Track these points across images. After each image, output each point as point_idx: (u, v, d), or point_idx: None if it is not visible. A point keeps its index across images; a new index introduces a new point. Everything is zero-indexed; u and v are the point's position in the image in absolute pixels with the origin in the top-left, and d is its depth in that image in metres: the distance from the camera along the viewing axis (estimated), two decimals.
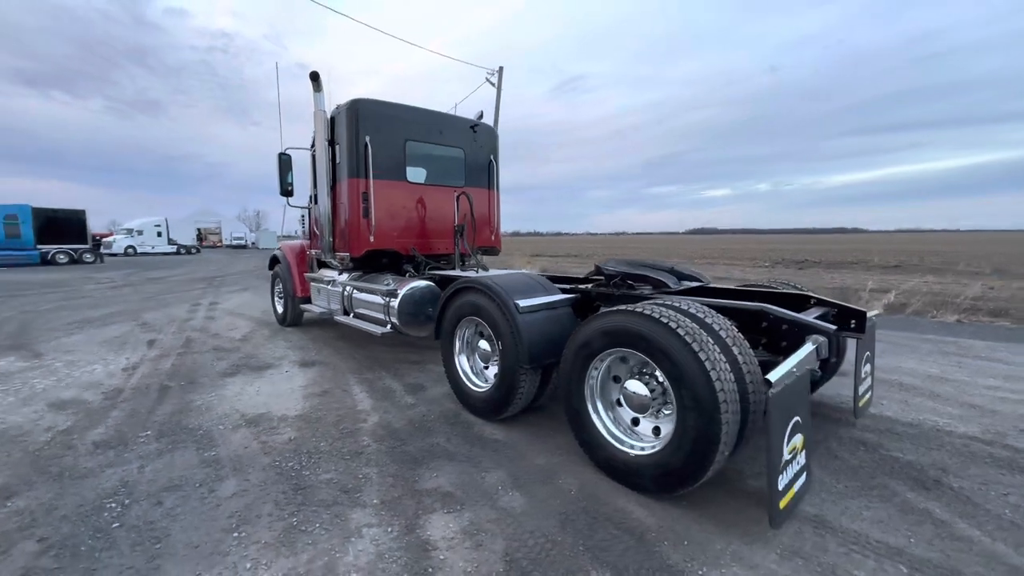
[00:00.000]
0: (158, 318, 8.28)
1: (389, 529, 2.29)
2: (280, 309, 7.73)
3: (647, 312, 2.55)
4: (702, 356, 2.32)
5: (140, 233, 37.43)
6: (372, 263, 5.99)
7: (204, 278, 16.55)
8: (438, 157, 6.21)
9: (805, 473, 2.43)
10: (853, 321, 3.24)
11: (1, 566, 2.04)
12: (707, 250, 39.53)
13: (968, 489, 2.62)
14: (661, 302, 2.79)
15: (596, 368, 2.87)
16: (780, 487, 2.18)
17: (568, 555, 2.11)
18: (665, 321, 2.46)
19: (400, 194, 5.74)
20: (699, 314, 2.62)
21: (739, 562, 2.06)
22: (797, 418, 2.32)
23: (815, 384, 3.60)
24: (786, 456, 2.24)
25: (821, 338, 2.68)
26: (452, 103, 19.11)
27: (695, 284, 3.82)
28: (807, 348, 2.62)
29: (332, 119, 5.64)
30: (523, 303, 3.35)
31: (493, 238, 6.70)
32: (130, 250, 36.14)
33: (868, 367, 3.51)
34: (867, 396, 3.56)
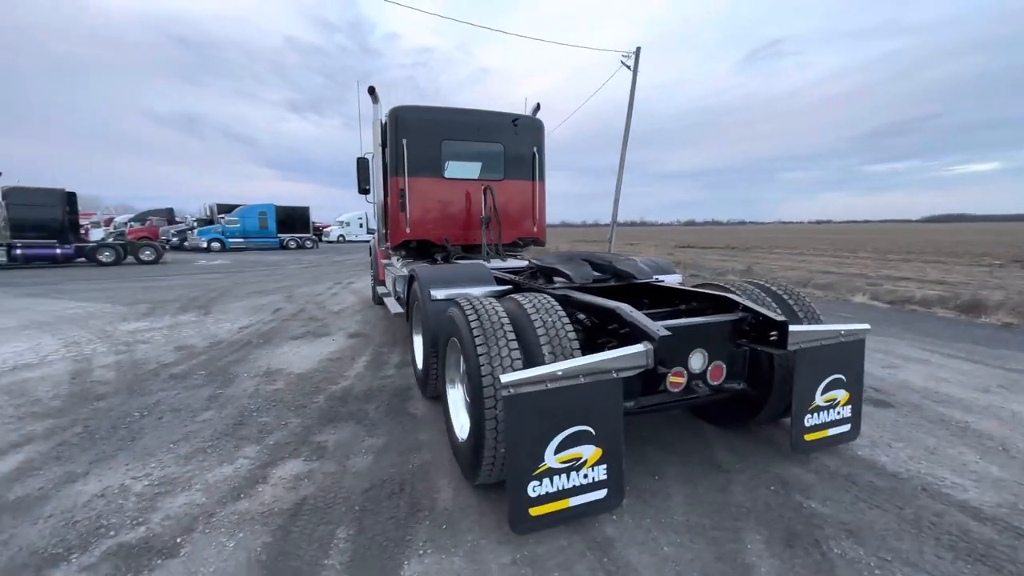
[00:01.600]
0: (303, 292, 10.56)
1: (256, 463, 2.91)
2: (371, 291, 9.19)
3: (460, 302, 2.62)
4: (481, 349, 2.33)
5: (348, 224, 46.29)
6: (422, 251, 6.74)
7: (367, 261, 20.01)
8: (475, 153, 6.61)
9: (604, 490, 2.23)
10: (773, 334, 2.65)
11: (65, 433, 3.27)
12: (931, 242, 30.95)
13: (850, 564, 2.03)
14: (521, 295, 2.78)
15: (445, 353, 3.03)
16: (532, 495, 2.09)
17: (341, 512, 2.41)
18: (465, 311, 2.51)
19: (435, 189, 6.33)
20: (527, 307, 2.57)
21: (469, 557, 2.09)
22: (583, 427, 2.16)
23: (726, 404, 3.16)
24: (553, 464, 2.13)
25: (640, 347, 2.34)
26: (606, 89, 18.83)
27: (617, 281, 3.53)
28: (605, 355, 2.31)
29: (384, 126, 6.51)
30: (436, 293, 3.60)
31: (536, 229, 6.84)
32: (340, 238, 45.04)
33: (839, 393, 2.82)
34: (834, 430, 2.85)
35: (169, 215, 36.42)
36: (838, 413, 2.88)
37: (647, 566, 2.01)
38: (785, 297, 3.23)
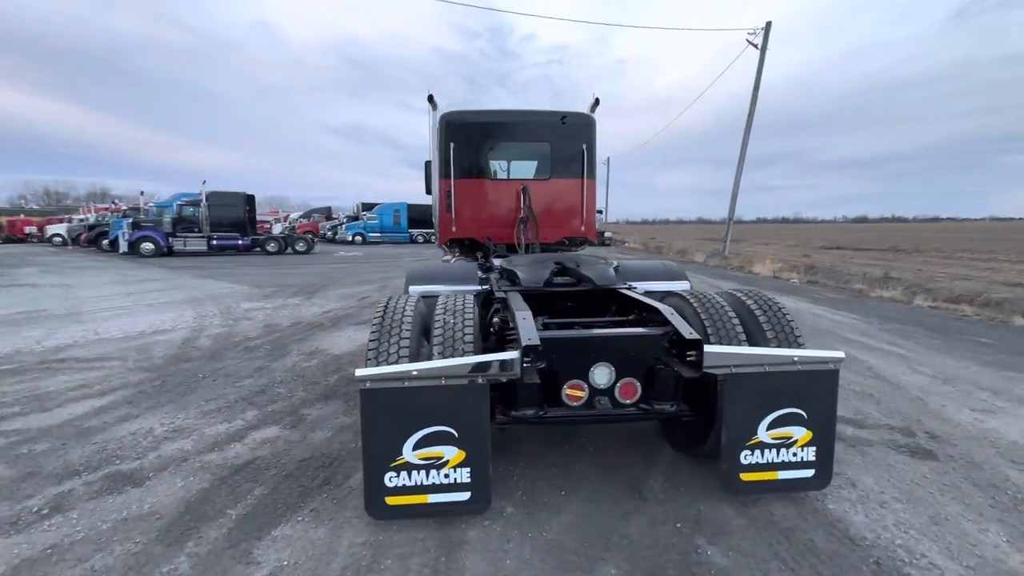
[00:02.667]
0: (398, 283, 11.75)
1: (246, 425, 3.50)
2: None
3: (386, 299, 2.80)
4: (372, 344, 2.51)
5: None
6: (472, 249, 7.10)
7: None
8: (521, 153, 6.71)
9: (467, 493, 2.26)
10: (690, 354, 2.36)
11: (148, 384, 4.30)
12: None
13: None
14: (446, 295, 2.91)
15: None
16: (389, 484, 2.23)
17: (270, 474, 2.82)
18: (382, 306, 2.69)
19: (480, 190, 6.59)
20: (438, 307, 2.68)
21: (333, 531, 2.32)
22: (444, 428, 2.23)
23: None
24: (411, 459, 2.24)
25: (507, 355, 2.25)
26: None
27: (578, 286, 3.38)
28: (466, 359, 2.28)
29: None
30: (413, 288, 3.85)
31: (583, 228, 6.69)
32: None
33: (797, 431, 2.42)
34: (787, 474, 2.43)
35: (328, 212, 42.84)
36: (794, 455, 2.43)
37: (479, 572, 2.01)
38: (757, 312, 2.81)
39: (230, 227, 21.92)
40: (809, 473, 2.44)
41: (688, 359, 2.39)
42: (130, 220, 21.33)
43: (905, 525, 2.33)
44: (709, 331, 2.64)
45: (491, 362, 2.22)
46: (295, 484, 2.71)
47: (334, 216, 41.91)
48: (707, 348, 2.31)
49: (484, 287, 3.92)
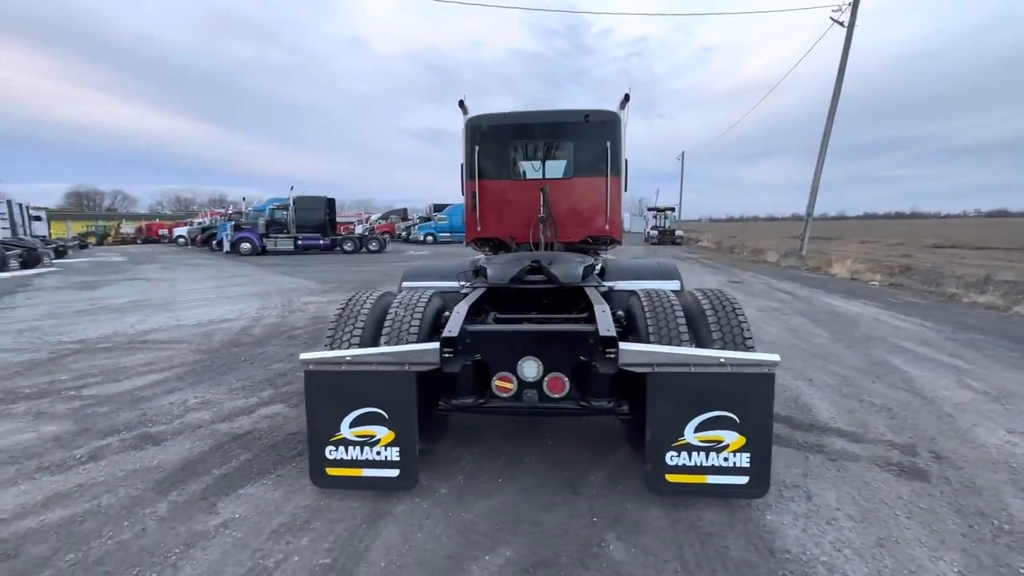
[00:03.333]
0: None
1: (259, 402, 4.00)
2: None
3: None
4: (329, 332, 2.81)
5: None
6: (499, 248, 7.32)
7: None
8: (544, 153, 6.79)
9: (396, 470, 2.48)
10: (609, 351, 2.38)
11: (199, 364, 5.03)
12: None
13: None
14: (408, 291, 3.16)
15: None
16: (329, 456, 2.51)
17: (259, 444, 3.24)
18: (352, 296, 2.99)
19: (503, 191, 6.77)
20: (395, 301, 2.93)
21: (285, 495, 2.65)
22: (376, 409, 2.48)
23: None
24: (348, 435, 2.50)
25: (427, 345, 2.41)
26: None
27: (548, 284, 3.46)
28: (393, 348, 2.49)
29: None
30: (407, 284, 4.14)
31: (608, 227, 6.63)
32: None
33: (728, 435, 2.36)
34: (717, 478, 2.37)
35: (404, 213, 45.34)
36: (725, 459, 2.35)
37: (385, 542, 2.21)
38: (709, 313, 2.73)
39: (313, 229, 24.08)
40: (742, 480, 2.35)
41: (608, 356, 2.41)
42: (232, 223, 24.24)
43: (843, 544, 2.17)
44: (651, 330, 2.62)
45: (412, 351, 2.42)
46: (275, 453, 3.09)
47: (409, 217, 44.26)
48: (623, 345, 2.32)
49: (462, 283, 4.11)
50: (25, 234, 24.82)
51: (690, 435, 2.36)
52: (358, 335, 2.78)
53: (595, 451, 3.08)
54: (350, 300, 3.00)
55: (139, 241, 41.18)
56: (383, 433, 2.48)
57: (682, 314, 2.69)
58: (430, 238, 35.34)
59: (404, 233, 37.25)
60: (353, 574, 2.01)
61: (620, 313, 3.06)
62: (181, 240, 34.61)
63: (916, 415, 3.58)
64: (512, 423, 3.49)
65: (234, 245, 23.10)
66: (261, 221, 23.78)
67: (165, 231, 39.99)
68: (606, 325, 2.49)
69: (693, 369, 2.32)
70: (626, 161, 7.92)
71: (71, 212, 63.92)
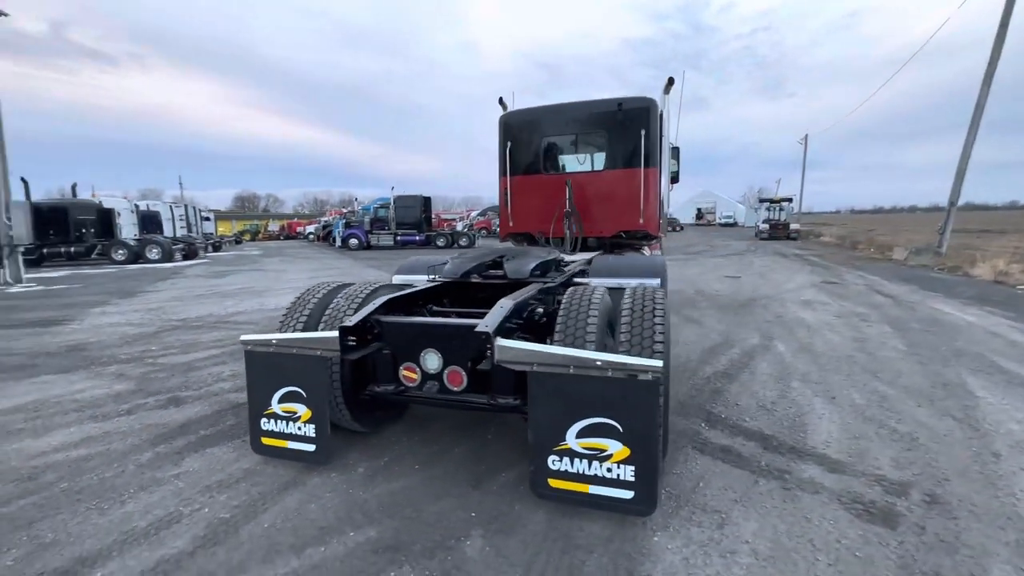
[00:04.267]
0: None
1: None
2: None
3: None
4: (282, 319, 3.14)
5: None
6: (534, 243, 7.34)
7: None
8: (576, 146, 6.62)
9: (312, 445, 2.72)
10: (488, 347, 2.34)
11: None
12: None
13: None
14: (357, 283, 3.40)
15: None
16: (263, 428, 2.83)
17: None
18: (309, 287, 3.32)
19: (535, 186, 6.76)
20: (341, 292, 3.18)
21: (234, 459, 3.04)
22: (296, 388, 2.75)
23: None
24: (276, 410, 2.81)
25: (328, 333, 2.56)
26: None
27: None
28: (308, 334, 2.70)
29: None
30: (397, 278, 4.40)
31: (642, 221, 6.28)
32: None
33: (611, 444, 2.21)
34: (601, 490, 2.23)
35: None
36: (608, 470, 2.19)
37: (283, 508, 2.46)
38: (625, 314, 2.54)
39: (411, 225, 26.00)
40: (627, 495, 2.16)
41: (486, 352, 2.37)
42: (343, 221, 27.18)
43: (723, 568, 1.90)
44: (558, 328, 2.52)
45: (318, 338, 2.62)
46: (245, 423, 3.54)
47: None
48: (501, 342, 2.27)
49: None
50: (197, 232, 30.47)
51: (572, 440, 2.23)
52: (303, 321, 3.07)
53: (524, 450, 3.02)
54: (305, 291, 3.31)
55: (282, 237, 48.04)
56: (303, 411, 2.73)
57: (596, 314, 2.53)
58: None
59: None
60: (238, 530, 2.28)
61: (540, 311, 2.96)
62: (310, 237, 39.66)
63: (944, 450, 2.90)
64: (466, 416, 3.55)
65: (344, 241, 25.90)
66: (366, 219, 26.32)
67: (301, 229, 46.17)
68: (487, 321, 2.45)
69: (572, 371, 2.20)
70: (676, 149, 7.38)
71: (235, 213, 76.66)
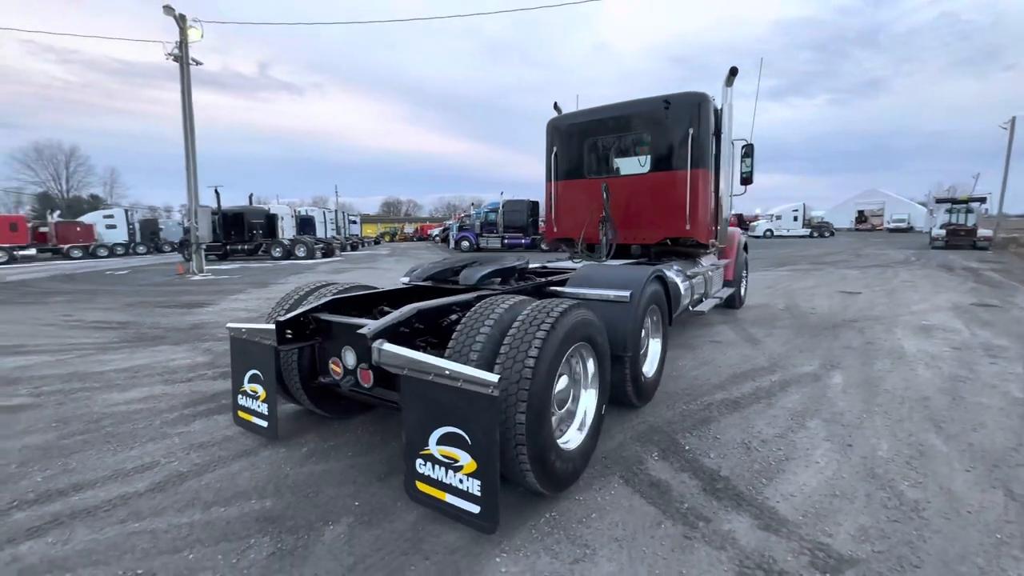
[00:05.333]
0: None
1: None
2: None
3: None
4: (273, 305, 3.64)
5: (779, 218, 42.25)
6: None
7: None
8: (620, 148, 6.33)
9: (265, 421, 3.14)
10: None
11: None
12: None
13: None
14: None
15: None
16: (239, 403, 3.35)
17: None
18: (297, 286, 3.80)
19: (578, 191, 6.62)
20: (321, 290, 3.60)
21: (202, 434, 3.62)
22: (256, 371, 3.21)
23: None
24: (247, 389, 3.29)
25: (265, 325, 2.90)
26: None
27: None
28: (252, 325, 3.08)
29: None
30: (402, 280, 4.73)
31: (689, 227, 5.78)
32: (768, 233, 41.85)
33: (462, 456, 2.24)
34: (454, 500, 2.26)
35: None
36: (460, 481, 2.18)
37: (224, 471, 2.89)
38: (516, 325, 2.47)
39: (517, 229, 26.81)
40: (474, 508, 2.12)
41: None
42: (458, 224, 29.11)
43: None
44: (453, 336, 2.55)
45: (263, 329, 3.01)
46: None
47: None
48: (376, 344, 2.39)
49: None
50: (344, 234, 35.31)
51: (433, 446, 2.26)
52: (283, 312, 3.53)
53: None
54: (296, 287, 3.78)
55: (415, 239, 53.22)
56: (261, 391, 3.17)
57: (490, 324, 2.50)
58: None
59: None
60: (183, 483, 2.76)
61: (453, 317, 2.98)
62: (436, 239, 43.26)
63: (953, 530, 2.22)
64: None
65: (457, 243, 27.74)
66: (478, 222, 27.83)
67: (431, 231, 50.66)
68: (372, 324, 2.56)
69: (433, 378, 2.22)
70: (749, 147, 6.58)
71: (381, 217, 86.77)
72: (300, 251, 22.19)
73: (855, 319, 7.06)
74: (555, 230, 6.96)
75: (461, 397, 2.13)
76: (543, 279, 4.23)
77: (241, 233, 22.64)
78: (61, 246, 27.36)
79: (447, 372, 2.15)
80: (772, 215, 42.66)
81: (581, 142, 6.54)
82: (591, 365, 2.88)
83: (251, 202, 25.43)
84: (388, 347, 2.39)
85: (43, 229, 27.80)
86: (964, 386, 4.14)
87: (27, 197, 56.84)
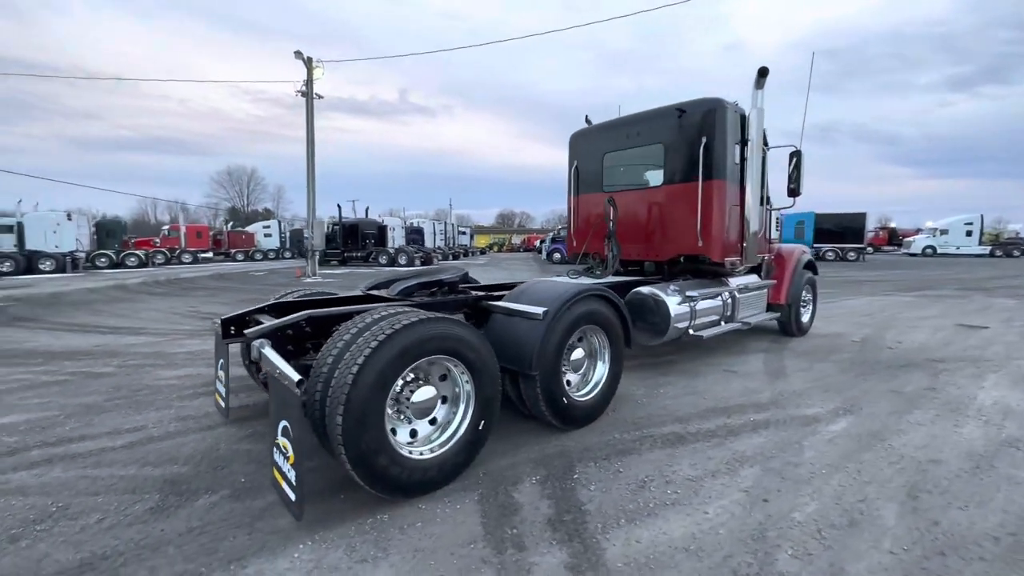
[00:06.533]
0: None
1: None
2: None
3: None
4: None
5: (944, 232, 35.13)
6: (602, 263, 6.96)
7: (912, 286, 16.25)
8: (633, 160, 6.07)
9: (222, 400, 3.73)
10: None
11: None
12: None
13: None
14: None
15: None
16: (216, 385, 4.02)
17: None
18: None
19: (593, 205, 6.47)
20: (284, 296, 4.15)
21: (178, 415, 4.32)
22: (221, 359, 3.84)
23: None
24: (219, 373, 3.94)
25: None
26: None
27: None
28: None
29: None
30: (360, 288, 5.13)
31: (700, 243, 5.36)
32: (928, 250, 35.05)
33: (289, 448, 2.53)
34: (287, 488, 2.52)
35: None
36: (288, 471, 2.43)
37: (183, 440, 3.49)
38: (365, 337, 2.65)
39: None
40: (293, 496, 2.34)
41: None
42: (552, 236, 29.38)
43: None
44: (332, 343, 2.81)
45: (216, 325, 3.58)
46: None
47: None
48: (255, 344, 2.75)
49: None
50: (451, 245, 37.87)
51: (279, 436, 2.54)
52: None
53: None
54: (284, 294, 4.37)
55: (521, 250, 54.79)
56: (223, 376, 3.76)
57: (353, 333, 2.71)
58: None
59: None
60: (148, 443, 3.41)
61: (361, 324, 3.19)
62: (539, 250, 44.07)
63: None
64: None
65: (548, 254, 28.01)
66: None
67: (537, 242, 51.78)
68: (261, 327, 2.90)
69: (277, 375, 2.50)
70: (796, 154, 5.88)
71: (494, 228, 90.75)
72: (402, 259, 24.41)
73: (943, 359, 5.75)
74: (574, 244, 6.86)
75: (287, 394, 2.38)
76: (478, 292, 4.28)
77: (356, 242, 25.68)
78: (231, 250, 33.65)
79: (277, 372, 2.43)
80: (936, 229, 35.56)
81: (597, 155, 6.40)
82: (463, 379, 2.92)
83: (367, 215, 28.81)
84: (267, 350, 2.74)
85: (219, 237, 34.54)
86: (1009, 455, 3.22)
87: (220, 211, 70.76)
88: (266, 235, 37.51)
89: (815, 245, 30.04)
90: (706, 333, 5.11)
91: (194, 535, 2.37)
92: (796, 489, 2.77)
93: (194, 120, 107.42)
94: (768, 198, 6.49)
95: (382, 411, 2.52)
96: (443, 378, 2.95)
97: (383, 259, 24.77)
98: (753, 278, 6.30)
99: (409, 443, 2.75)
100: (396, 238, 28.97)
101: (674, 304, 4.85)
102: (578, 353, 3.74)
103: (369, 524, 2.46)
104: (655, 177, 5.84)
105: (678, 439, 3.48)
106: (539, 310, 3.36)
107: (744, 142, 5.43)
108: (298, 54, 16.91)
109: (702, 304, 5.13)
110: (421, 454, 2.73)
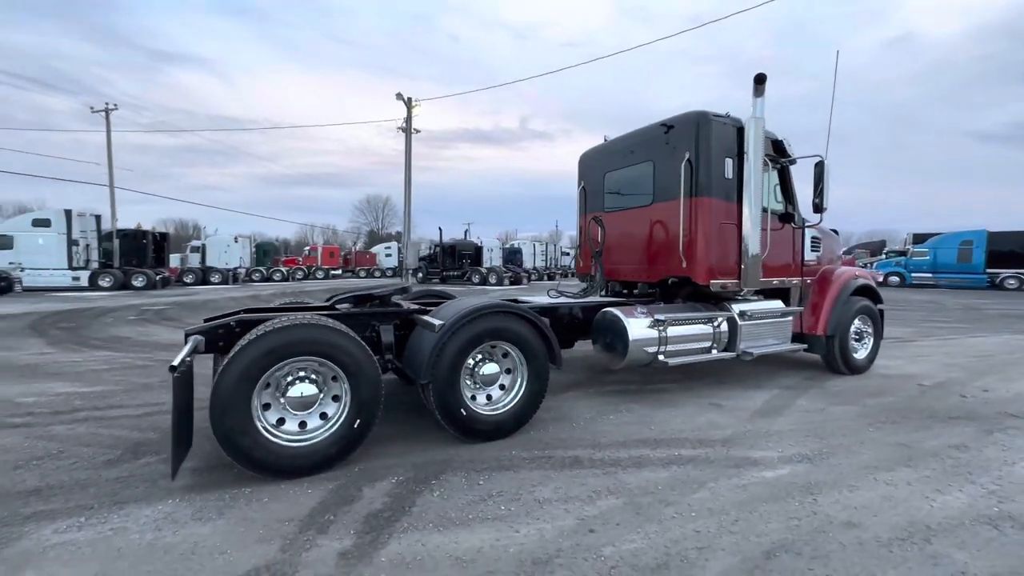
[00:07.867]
0: None
1: None
2: None
3: None
4: None
5: None
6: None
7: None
8: (628, 179, 5.94)
9: None
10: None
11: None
12: None
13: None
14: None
15: None
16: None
17: None
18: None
19: (596, 225, 6.37)
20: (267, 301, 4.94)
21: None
22: None
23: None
24: None
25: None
26: None
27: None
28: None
29: None
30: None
31: (684, 265, 5.07)
32: None
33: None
34: None
35: (878, 247, 35.56)
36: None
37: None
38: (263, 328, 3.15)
39: None
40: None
41: None
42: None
43: None
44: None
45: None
46: None
47: (884, 251, 34.36)
48: (192, 339, 3.41)
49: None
50: (551, 265, 38.46)
51: None
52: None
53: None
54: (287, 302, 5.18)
55: None
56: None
57: (254, 335, 3.24)
58: (895, 279, 26.78)
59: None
60: (134, 415, 4.34)
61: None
62: None
63: None
64: None
65: None
66: None
67: None
68: (200, 325, 3.55)
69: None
70: (819, 165, 5.22)
71: None
72: (492, 278, 25.56)
73: (1005, 414, 4.51)
74: (581, 264, 6.81)
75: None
76: (415, 305, 4.53)
77: (454, 261, 27.60)
78: (357, 268, 38.41)
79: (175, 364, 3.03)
80: None
81: (599, 175, 6.34)
82: (342, 382, 3.24)
83: (466, 236, 30.81)
84: (189, 344, 3.40)
85: (348, 256, 39.69)
86: (973, 532, 2.54)
87: (362, 234, 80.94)
88: (387, 255, 42.11)
89: (988, 271, 24.33)
90: (679, 360, 4.72)
91: (114, 483, 3.05)
92: (637, 526, 2.57)
93: (348, 156, 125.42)
94: (798, 214, 5.77)
95: (248, 400, 2.98)
96: (336, 379, 3.32)
97: (475, 278, 26.22)
98: (772, 304, 5.60)
99: (297, 433, 3.15)
100: (493, 258, 30.42)
101: (638, 327, 4.61)
102: (490, 368, 3.83)
103: (231, 494, 2.90)
104: (647, 196, 5.62)
105: (573, 463, 3.37)
106: (438, 322, 3.58)
107: (742, 155, 4.98)
108: (399, 96, 19.19)
109: (675, 330, 4.77)
110: (291, 443, 3.12)
